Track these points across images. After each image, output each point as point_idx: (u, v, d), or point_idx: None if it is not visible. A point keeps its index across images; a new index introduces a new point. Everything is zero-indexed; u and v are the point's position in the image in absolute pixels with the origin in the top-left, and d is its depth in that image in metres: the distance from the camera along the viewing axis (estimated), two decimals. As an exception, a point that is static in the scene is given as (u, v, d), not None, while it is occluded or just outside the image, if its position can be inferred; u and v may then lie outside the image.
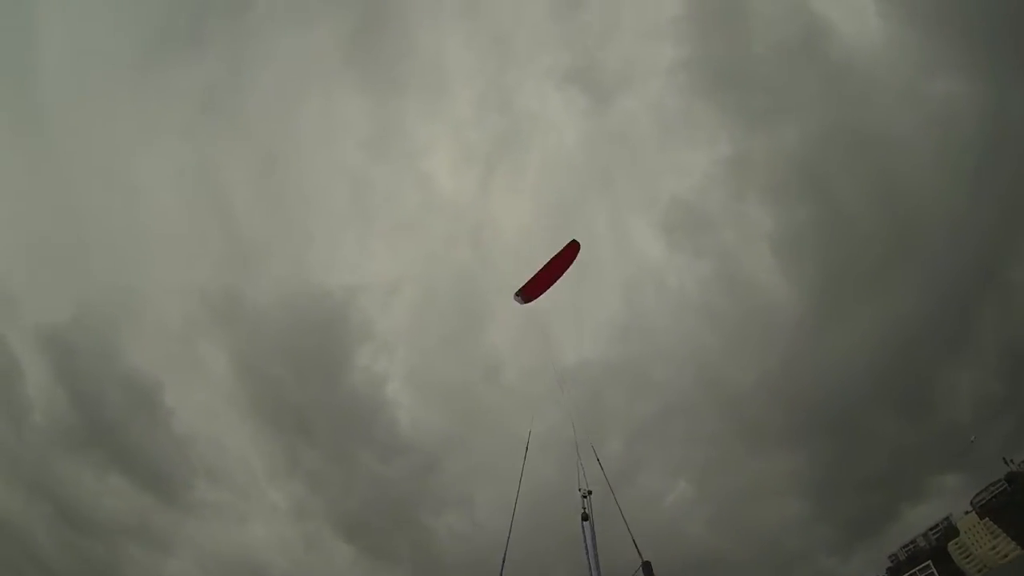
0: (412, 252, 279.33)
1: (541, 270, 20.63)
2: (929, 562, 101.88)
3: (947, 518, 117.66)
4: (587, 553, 12.72)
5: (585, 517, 13.29)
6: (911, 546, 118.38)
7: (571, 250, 20.48)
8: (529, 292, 20.78)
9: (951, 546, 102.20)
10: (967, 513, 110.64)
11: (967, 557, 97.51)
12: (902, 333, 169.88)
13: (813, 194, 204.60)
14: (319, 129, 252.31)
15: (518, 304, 20.87)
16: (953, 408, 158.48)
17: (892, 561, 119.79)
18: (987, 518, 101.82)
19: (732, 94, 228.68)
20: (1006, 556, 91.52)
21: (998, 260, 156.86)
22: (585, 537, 12.95)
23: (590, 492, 13.89)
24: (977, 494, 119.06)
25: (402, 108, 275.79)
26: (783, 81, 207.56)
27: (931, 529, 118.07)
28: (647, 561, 11.61)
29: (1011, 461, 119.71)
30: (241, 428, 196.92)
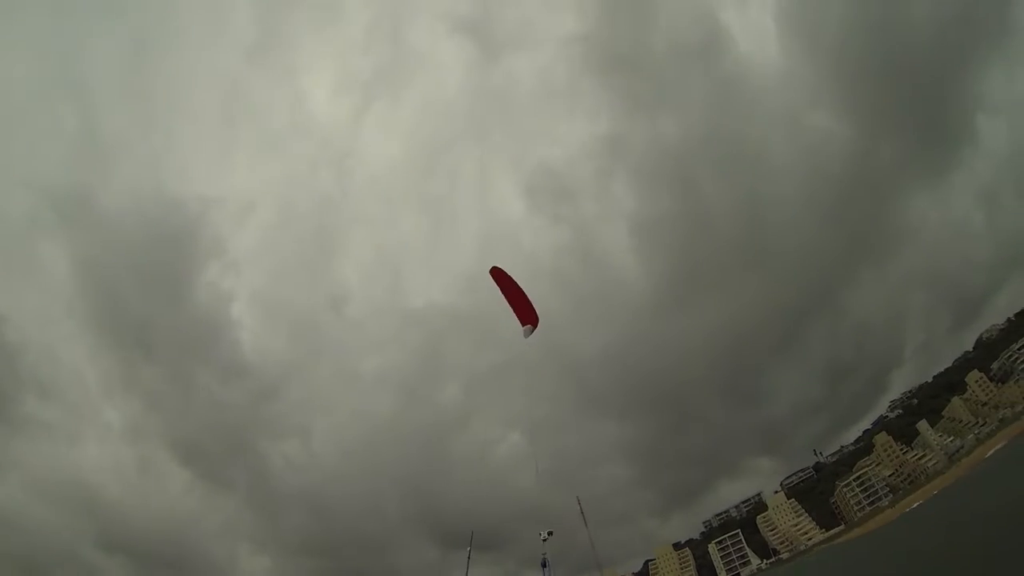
0: (274, 171, 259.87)
1: (514, 301, 20.57)
2: (739, 531, 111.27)
3: (758, 494, 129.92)
4: None
5: (544, 563, 13.32)
6: (724, 515, 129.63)
7: (500, 277, 20.47)
8: (527, 320, 20.59)
9: (759, 519, 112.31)
10: (776, 492, 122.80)
11: (772, 530, 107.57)
12: (739, 330, 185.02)
13: (679, 188, 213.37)
14: (200, 21, 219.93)
15: (528, 335, 20.63)
16: (774, 402, 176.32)
17: (706, 527, 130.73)
18: (793, 499, 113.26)
19: (623, 77, 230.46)
20: (805, 533, 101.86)
21: (836, 285, 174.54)
22: None
23: (551, 533, 13.75)
24: (787, 477, 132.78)
25: (291, 18, 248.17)
26: (675, 77, 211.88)
27: (743, 502, 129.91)
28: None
29: (820, 453, 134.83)
30: (78, 339, 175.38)
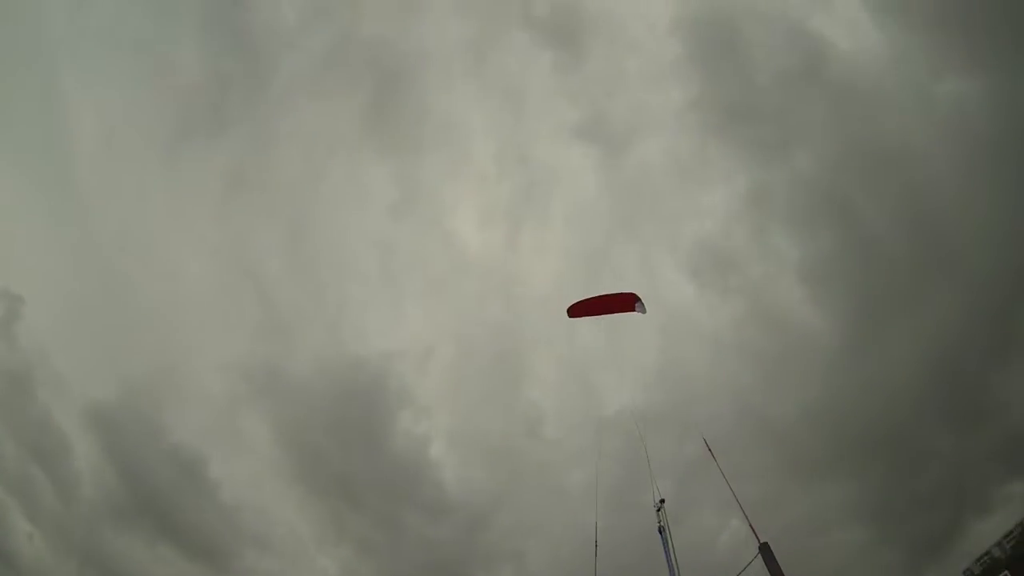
0: (444, 313, 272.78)
1: (596, 298, 21.10)
2: (1006, 572, 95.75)
3: (1021, 523, 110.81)
4: (669, 563, 12.88)
5: (661, 530, 13.38)
6: (985, 558, 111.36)
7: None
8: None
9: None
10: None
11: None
12: (943, 346, 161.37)
13: (835, 219, 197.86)
14: (343, 197, 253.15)
15: (642, 310, 20.82)
16: (1008, 414, 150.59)
17: None
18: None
19: (742, 128, 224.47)
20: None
21: None
22: (666, 548, 13.14)
23: (663, 501, 13.84)
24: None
25: (422, 170, 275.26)
26: (790, 108, 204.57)
27: (1005, 537, 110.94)
28: (764, 543, 10.98)
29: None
30: (287, 496, 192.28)
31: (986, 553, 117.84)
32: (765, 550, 10.70)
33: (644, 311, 19.79)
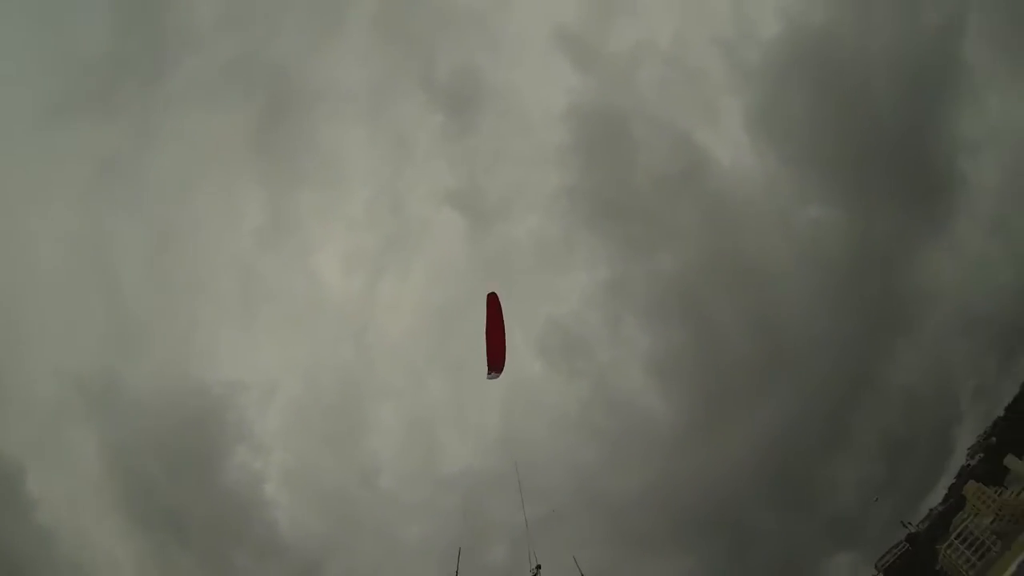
0: (295, 350, 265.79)
1: (490, 338, 20.43)
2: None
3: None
4: None
5: None
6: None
7: (492, 304, 20.36)
8: (495, 364, 20.59)
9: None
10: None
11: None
12: (778, 438, 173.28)
13: (688, 317, 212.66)
14: (215, 213, 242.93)
15: (494, 379, 20.94)
16: (836, 496, 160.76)
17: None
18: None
19: (612, 222, 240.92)
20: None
21: (869, 365, 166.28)
22: None
23: (539, 567, 14.66)
24: (880, 558, 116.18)
25: (297, 202, 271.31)
26: (662, 210, 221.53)
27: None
28: None
29: (909, 524, 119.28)
30: (110, 522, 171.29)
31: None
32: None
33: (492, 378, 20.03)
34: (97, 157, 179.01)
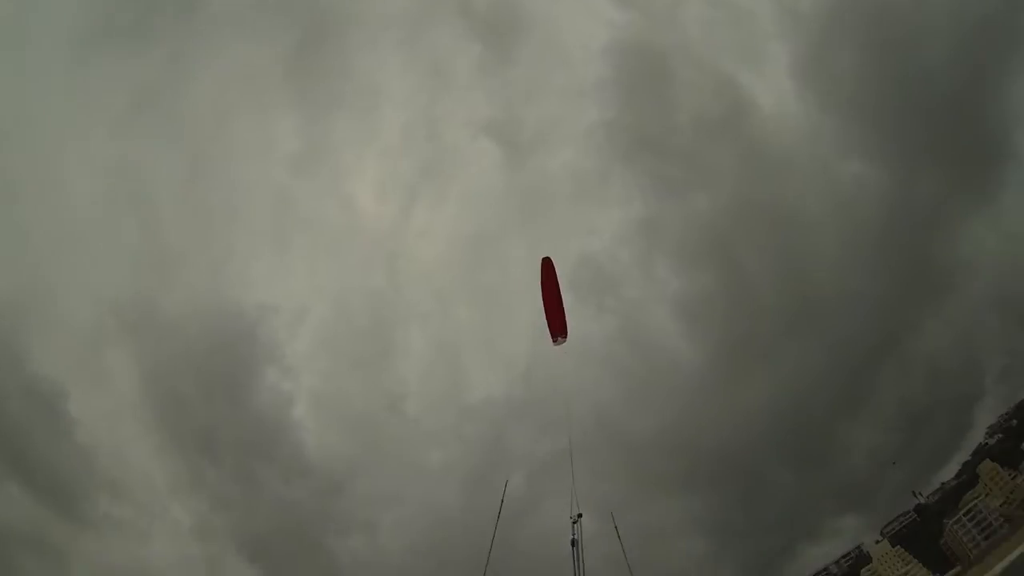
0: (327, 274, 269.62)
1: (548, 303, 20.28)
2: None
3: (859, 547, 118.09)
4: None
5: (573, 543, 13.53)
6: (823, 573, 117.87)
7: (547, 269, 20.26)
8: (557, 329, 20.30)
9: (864, 572, 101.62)
10: (878, 542, 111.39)
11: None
12: (798, 391, 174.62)
13: (718, 262, 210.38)
14: (250, 140, 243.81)
15: (560, 345, 20.50)
16: (848, 458, 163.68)
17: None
18: (899, 546, 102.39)
19: (649, 159, 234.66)
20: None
21: (897, 330, 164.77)
22: (574, 562, 13.36)
23: (580, 516, 13.96)
24: (887, 524, 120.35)
25: (332, 127, 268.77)
26: (701, 152, 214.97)
27: (843, 557, 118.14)
28: None
29: (920, 494, 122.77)
30: (145, 441, 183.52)
31: (824, 569, 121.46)
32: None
33: (559, 344, 19.80)
34: (132, 86, 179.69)
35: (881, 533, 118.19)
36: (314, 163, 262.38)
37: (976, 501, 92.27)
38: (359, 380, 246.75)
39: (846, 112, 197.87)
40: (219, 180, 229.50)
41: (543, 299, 20.09)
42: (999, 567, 70.88)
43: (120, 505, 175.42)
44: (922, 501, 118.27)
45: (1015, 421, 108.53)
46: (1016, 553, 67.68)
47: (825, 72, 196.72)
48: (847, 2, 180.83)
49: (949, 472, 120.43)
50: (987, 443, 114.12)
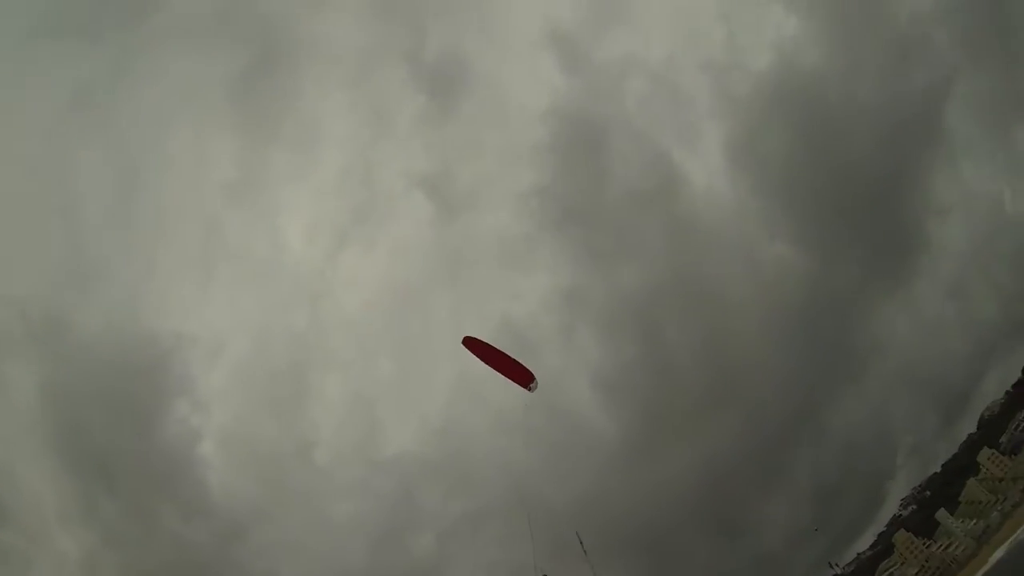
0: (249, 309, 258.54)
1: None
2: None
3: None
4: None
5: None
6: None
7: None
8: (523, 380, 20.90)
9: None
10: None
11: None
12: (716, 465, 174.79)
13: (641, 335, 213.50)
14: (185, 159, 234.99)
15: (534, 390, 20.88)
16: (764, 533, 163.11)
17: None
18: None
19: (580, 228, 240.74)
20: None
21: (813, 409, 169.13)
22: None
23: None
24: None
25: (269, 158, 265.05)
26: (632, 224, 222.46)
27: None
28: None
29: (835, 564, 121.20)
30: (39, 463, 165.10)
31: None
32: None
33: (533, 390, 19.76)
34: (72, 85, 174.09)
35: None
36: (248, 191, 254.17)
37: (892, 570, 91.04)
38: (271, 422, 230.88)
39: (773, 195, 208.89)
40: (149, 196, 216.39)
41: (493, 367, 20.02)
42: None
43: (2, 529, 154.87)
44: (838, 572, 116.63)
45: (928, 492, 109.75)
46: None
47: (756, 155, 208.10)
48: (782, 91, 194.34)
49: (864, 543, 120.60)
50: (901, 514, 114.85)
